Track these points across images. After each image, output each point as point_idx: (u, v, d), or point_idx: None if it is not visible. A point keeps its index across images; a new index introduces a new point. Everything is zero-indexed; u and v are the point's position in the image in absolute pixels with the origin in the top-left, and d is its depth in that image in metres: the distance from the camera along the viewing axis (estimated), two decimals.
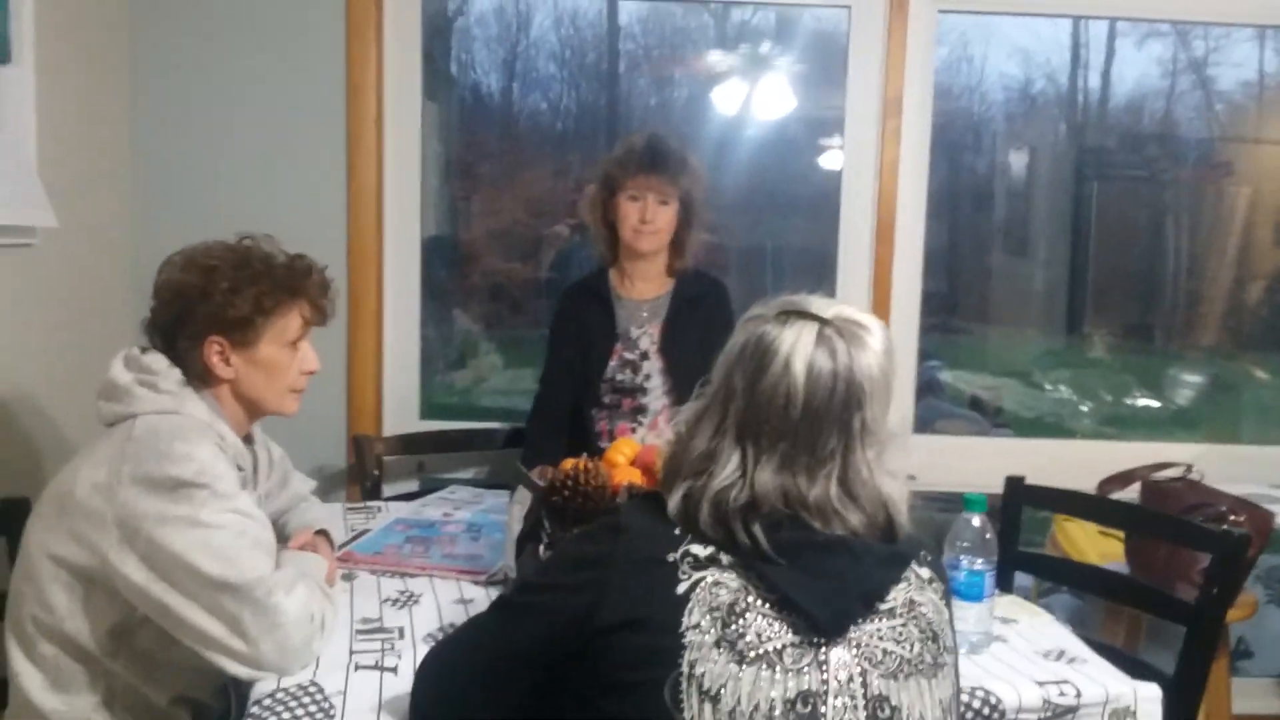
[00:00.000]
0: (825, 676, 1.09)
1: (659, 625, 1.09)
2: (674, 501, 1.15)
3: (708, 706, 1.06)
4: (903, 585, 1.16)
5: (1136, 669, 1.63)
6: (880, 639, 1.12)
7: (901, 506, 1.18)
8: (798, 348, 1.12)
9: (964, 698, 1.39)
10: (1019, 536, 2.24)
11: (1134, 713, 1.43)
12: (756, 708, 1.06)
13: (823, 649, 1.10)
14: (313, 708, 1.30)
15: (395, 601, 1.68)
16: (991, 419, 3.71)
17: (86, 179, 2.42)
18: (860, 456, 1.15)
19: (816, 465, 1.13)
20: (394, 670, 1.42)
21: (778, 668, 1.08)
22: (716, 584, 1.11)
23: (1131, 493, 2.53)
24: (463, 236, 3.43)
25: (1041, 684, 1.42)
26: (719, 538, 1.12)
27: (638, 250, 2.37)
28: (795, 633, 1.10)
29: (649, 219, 2.32)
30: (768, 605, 1.10)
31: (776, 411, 1.12)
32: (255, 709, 1.30)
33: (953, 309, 3.99)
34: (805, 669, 1.09)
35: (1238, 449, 3.00)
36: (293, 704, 1.31)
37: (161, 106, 2.65)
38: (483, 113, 3.64)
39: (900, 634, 1.13)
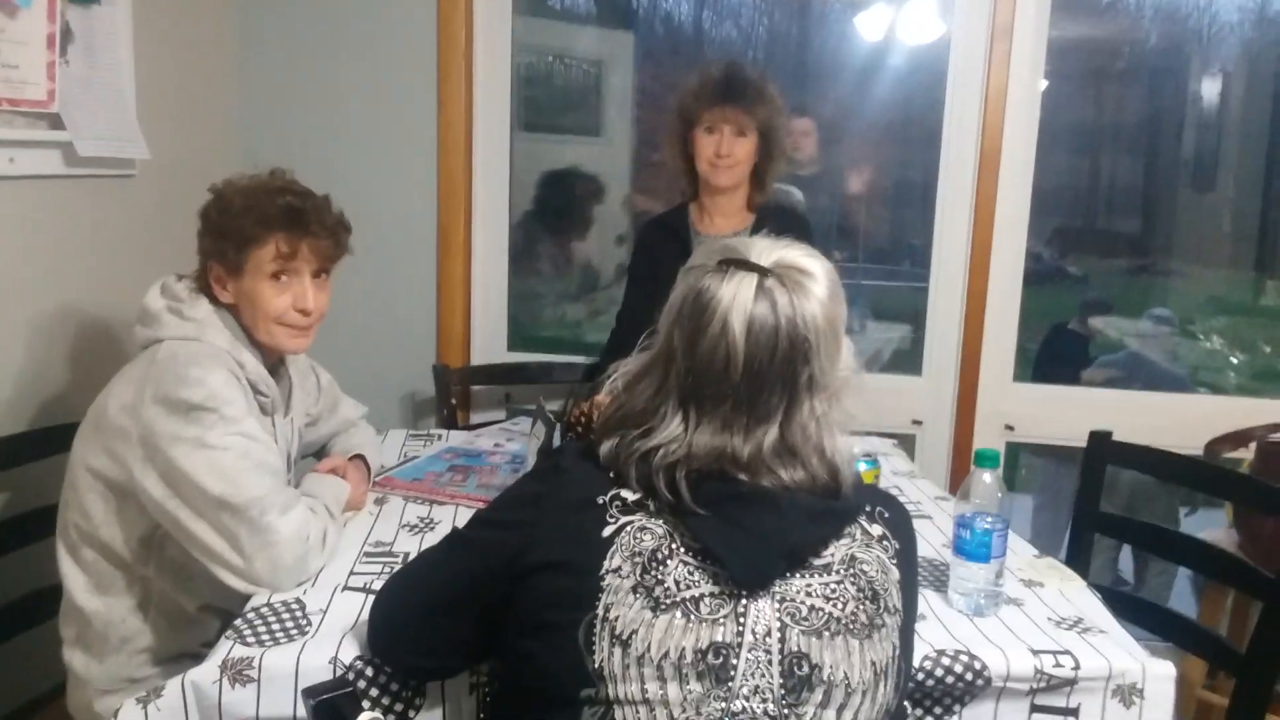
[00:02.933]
0: (741, 629, 1.05)
1: (580, 567, 1.08)
2: (605, 450, 1.13)
3: (618, 650, 1.04)
4: (845, 541, 1.10)
5: (1208, 645, 1.50)
6: (809, 595, 1.07)
7: (848, 459, 1.11)
8: (736, 304, 1.07)
9: (945, 661, 1.31)
10: (1100, 495, 2.09)
11: (1141, 690, 1.31)
12: (666, 655, 1.04)
13: (743, 601, 1.06)
14: (289, 623, 1.35)
15: (413, 528, 1.72)
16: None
17: (190, 111, 2.55)
18: (806, 410, 1.09)
19: (755, 423, 1.08)
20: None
21: (692, 616, 1.05)
22: (642, 529, 1.08)
23: (1247, 454, 2.30)
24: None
25: (1037, 653, 1.32)
26: (645, 488, 1.09)
27: (715, 185, 2.31)
28: (715, 583, 1.06)
29: (725, 152, 2.25)
30: (691, 554, 1.07)
31: (716, 374, 1.08)
32: (239, 621, 1.36)
33: (1141, 249, 3.67)
34: (721, 620, 1.05)
35: None
36: (271, 619, 1.36)
37: (269, 41, 2.75)
38: (672, 43, 3.56)
39: (834, 591, 1.08)
